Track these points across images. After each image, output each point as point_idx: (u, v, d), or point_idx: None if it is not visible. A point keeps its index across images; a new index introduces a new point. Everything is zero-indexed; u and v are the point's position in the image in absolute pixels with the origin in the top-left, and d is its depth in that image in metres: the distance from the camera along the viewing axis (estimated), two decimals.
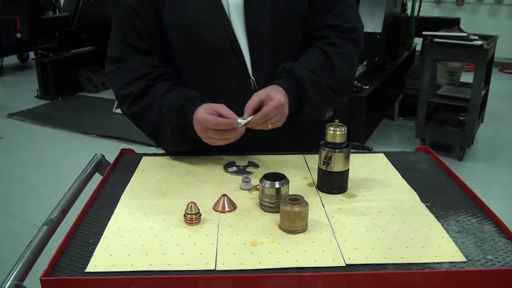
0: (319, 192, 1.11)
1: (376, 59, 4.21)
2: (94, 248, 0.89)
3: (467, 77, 4.16)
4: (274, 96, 1.14)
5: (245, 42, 1.23)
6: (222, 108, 1.13)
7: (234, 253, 0.87)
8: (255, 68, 1.24)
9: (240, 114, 1.13)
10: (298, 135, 1.34)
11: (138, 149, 1.38)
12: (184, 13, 1.21)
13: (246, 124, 1.12)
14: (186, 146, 1.27)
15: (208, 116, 1.12)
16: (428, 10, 6.23)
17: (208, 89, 1.24)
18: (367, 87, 3.91)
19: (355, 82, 3.83)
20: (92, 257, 0.86)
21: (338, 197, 1.09)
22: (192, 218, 0.97)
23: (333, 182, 1.10)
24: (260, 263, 0.84)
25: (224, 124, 1.11)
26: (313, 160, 1.22)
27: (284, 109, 1.15)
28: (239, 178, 1.16)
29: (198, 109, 1.15)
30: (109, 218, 1.00)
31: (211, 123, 1.11)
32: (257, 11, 1.21)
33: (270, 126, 1.15)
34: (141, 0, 1.21)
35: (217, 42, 1.21)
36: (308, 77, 1.21)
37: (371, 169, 1.25)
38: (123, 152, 1.36)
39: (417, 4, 4.83)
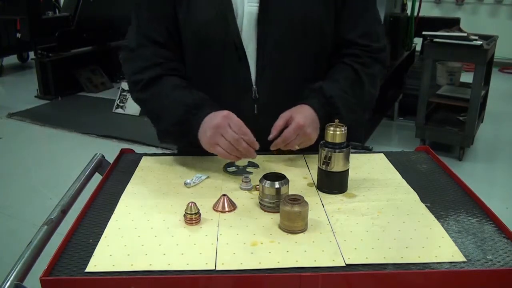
0: (319, 192, 1.11)
1: None
2: (94, 248, 0.89)
3: (467, 77, 4.16)
4: (294, 119, 1.15)
5: (253, 51, 1.23)
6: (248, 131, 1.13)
7: (234, 253, 0.87)
8: (259, 78, 1.24)
9: None
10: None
11: (138, 149, 1.38)
12: (197, 15, 1.22)
13: (194, 185, 1.15)
14: (179, 143, 1.27)
15: (241, 122, 1.12)
16: (428, 10, 6.22)
17: (209, 93, 1.24)
18: None
19: None
20: (92, 257, 0.86)
21: (338, 197, 1.09)
22: (192, 218, 0.97)
23: (333, 182, 1.10)
24: (260, 263, 0.84)
25: (249, 140, 1.11)
26: (313, 160, 1.22)
27: (304, 129, 1.15)
28: (239, 178, 1.16)
29: (224, 111, 1.14)
30: (109, 218, 1.00)
31: (241, 130, 1.11)
32: (271, 22, 1.21)
33: (297, 147, 1.19)
34: None
35: (225, 47, 1.22)
36: (340, 96, 1.23)
37: (371, 169, 1.25)
38: (123, 152, 1.36)
39: (417, 4, 4.83)
